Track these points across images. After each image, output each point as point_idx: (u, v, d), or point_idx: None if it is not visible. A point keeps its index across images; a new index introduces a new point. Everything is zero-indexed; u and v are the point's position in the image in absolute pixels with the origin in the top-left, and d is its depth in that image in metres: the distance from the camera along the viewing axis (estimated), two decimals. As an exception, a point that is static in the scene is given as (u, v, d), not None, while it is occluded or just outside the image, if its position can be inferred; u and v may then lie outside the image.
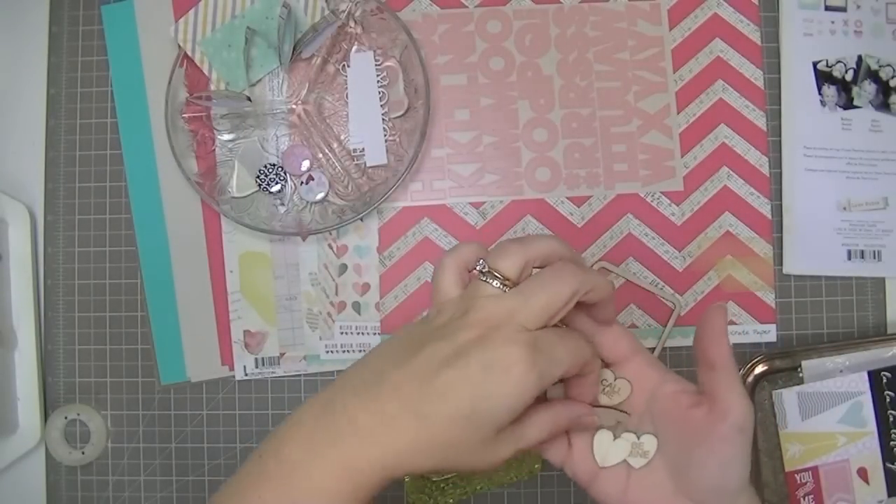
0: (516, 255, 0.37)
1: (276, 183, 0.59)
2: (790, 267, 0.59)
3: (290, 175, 0.59)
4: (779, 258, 0.59)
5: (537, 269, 0.38)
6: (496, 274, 0.37)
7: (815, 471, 0.55)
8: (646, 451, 0.40)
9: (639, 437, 0.41)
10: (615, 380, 0.42)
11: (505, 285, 0.37)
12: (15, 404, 0.59)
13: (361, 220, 0.59)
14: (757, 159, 0.60)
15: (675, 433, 0.40)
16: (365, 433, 0.35)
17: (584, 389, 0.40)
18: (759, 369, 0.57)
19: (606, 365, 0.42)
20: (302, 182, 0.59)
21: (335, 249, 0.60)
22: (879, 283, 0.60)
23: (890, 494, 0.55)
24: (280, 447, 0.36)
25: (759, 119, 0.60)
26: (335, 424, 0.35)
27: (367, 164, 0.59)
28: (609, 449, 0.41)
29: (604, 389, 0.42)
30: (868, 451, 0.55)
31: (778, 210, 0.60)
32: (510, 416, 0.35)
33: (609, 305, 0.40)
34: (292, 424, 0.36)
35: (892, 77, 0.60)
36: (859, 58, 0.60)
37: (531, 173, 0.60)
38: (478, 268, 0.38)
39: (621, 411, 0.41)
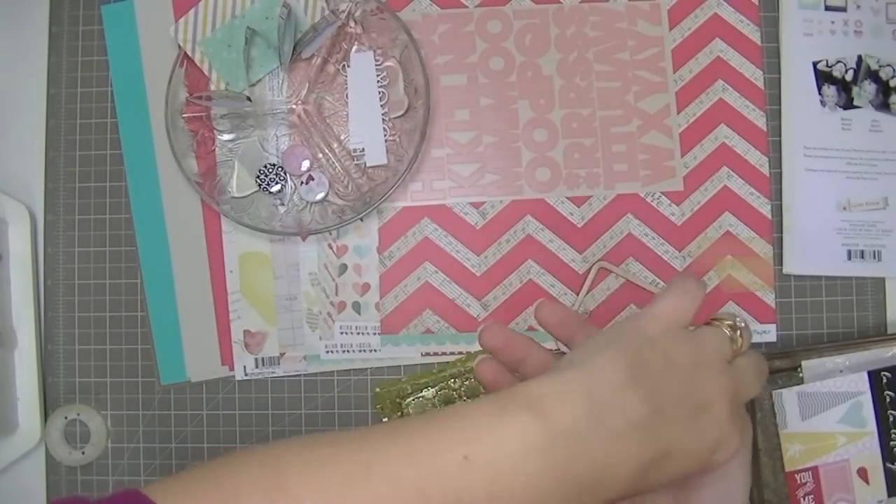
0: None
1: (276, 183, 0.59)
2: (790, 267, 0.59)
3: (290, 175, 0.59)
4: (779, 258, 0.59)
5: None
6: (733, 325, 0.38)
7: (815, 471, 0.55)
8: None
9: None
10: None
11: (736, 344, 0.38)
12: (15, 404, 0.59)
13: (361, 220, 0.59)
14: (757, 159, 0.60)
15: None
16: None
17: None
18: (759, 369, 0.57)
19: None
20: (302, 182, 0.59)
21: (335, 249, 0.60)
22: (879, 283, 0.60)
23: (890, 494, 0.55)
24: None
25: (759, 119, 0.60)
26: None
27: (367, 164, 0.59)
28: None
29: None
30: (868, 451, 0.55)
31: (778, 210, 0.60)
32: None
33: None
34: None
35: (892, 77, 0.60)
36: (859, 58, 0.60)
37: (531, 173, 0.60)
38: (722, 324, 0.39)
39: None
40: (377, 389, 0.59)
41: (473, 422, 0.32)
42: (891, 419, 0.55)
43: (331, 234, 0.60)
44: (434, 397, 0.59)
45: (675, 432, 0.33)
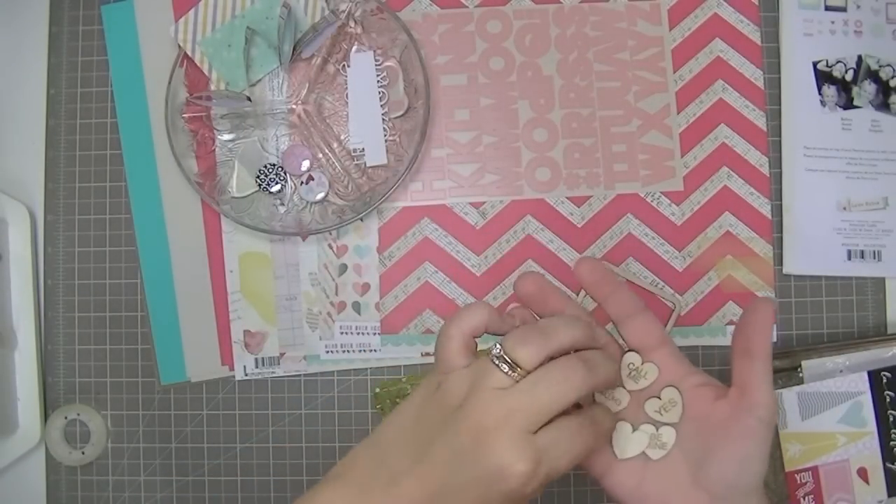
0: (538, 347, 0.36)
1: (276, 183, 0.59)
2: (790, 267, 0.59)
3: (290, 175, 0.59)
4: (779, 258, 0.59)
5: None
6: (508, 360, 0.36)
7: (815, 471, 0.55)
8: (664, 442, 0.40)
9: (657, 429, 0.40)
10: (642, 363, 0.42)
11: (515, 372, 0.36)
12: (15, 404, 0.59)
13: (361, 220, 0.59)
14: (757, 159, 0.60)
15: (695, 426, 0.40)
16: None
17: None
18: (759, 369, 0.57)
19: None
20: (302, 182, 0.59)
21: (335, 249, 0.60)
22: (879, 283, 0.60)
23: (890, 494, 0.55)
24: None
25: (759, 119, 0.60)
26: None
27: (367, 164, 0.59)
28: (628, 441, 0.41)
29: (630, 373, 0.41)
30: (868, 451, 0.55)
31: (778, 210, 0.60)
32: None
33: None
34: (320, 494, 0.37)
35: (892, 77, 0.60)
36: (859, 58, 0.60)
37: (531, 173, 0.60)
38: (494, 352, 0.37)
39: (671, 425, 0.41)
40: (377, 389, 0.59)
41: None
42: (891, 419, 0.55)
43: (331, 234, 0.60)
44: None
45: (441, 473, 0.36)
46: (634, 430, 0.41)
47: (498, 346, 0.37)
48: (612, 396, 0.42)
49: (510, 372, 0.36)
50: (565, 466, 0.36)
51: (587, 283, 0.43)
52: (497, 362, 0.36)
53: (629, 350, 0.42)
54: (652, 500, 0.40)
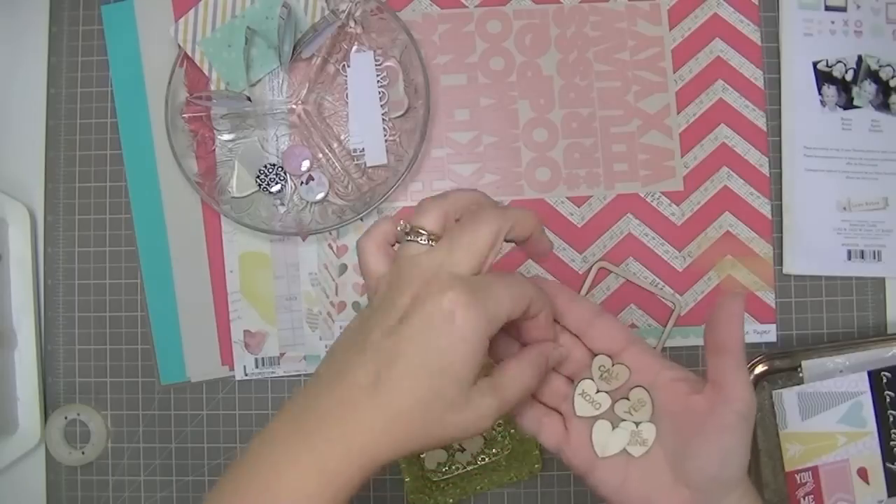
0: (435, 208, 0.37)
1: (276, 183, 0.59)
2: (790, 267, 0.59)
3: (290, 175, 0.59)
4: (779, 258, 0.59)
5: None
6: (420, 231, 0.36)
7: (815, 471, 0.55)
8: (644, 439, 0.40)
9: (637, 426, 0.41)
10: (613, 365, 0.41)
11: (431, 240, 0.36)
12: (15, 404, 0.59)
13: (361, 220, 0.59)
14: (757, 159, 0.60)
15: (673, 421, 0.40)
16: (334, 431, 0.34)
17: (539, 332, 0.39)
18: (759, 369, 0.57)
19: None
20: (302, 182, 0.59)
21: (335, 249, 0.60)
22: (879, 283, 0.60)
23: (890, 494, 0.55)
24: (260, 451, 0.35)
25: (759, 119, 0.60)
26: (307, 425, 0.35)
27: (367, 164, 0.59)
28: (609, 438, 0.41)
29: (602, 375, 0.42)
30: (868, 451, 0.55)
31: (778, 210, 0.60)
32: (471, 365, 0.34)
33: (541, 238, 0.39)
34: (274, 423, 0.36)
35: (892, 77, 0.60)
36: (859, 58, 0.60)
37: (531, 173, 0.60)
38: (399, 228, 0.37)
39: (648, 422, 0.41)
40: None
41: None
42: (891, 419, 0.55)
43: (331, 234, 0.60)
44: None
45: (387, 355, 0.35)
46: (615, 427, 0.41)
47: (403, 222, 0.37)
48: (592, 400, 0.42)
49: (426, 241, 0.36)
50: (504, 313, 0.35)
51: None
52: (410, 237, 0.37)
53: (599, 354, 0.42)
54: (635, 497, 0.40)
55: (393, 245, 0.39)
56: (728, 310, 0.38)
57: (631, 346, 0.42)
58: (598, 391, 0.42)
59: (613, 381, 0.41)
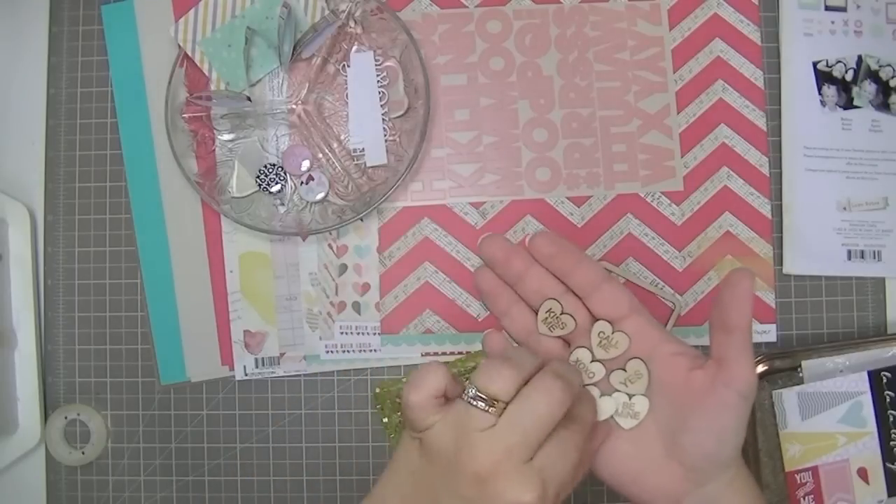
0: (511, 376, 0.36)
1: (276, 183, 0.59)
2: (790, 267, 0.59)
3: (290, 175, 0.59)
4: (779, 258, 0.59)
5: None
6: (483, 397, 0.35)
7: (815, 471, 0.55)
8: (636, 412, 0.39)
9: (630, 398, 0.40)
10: (613, 332, 0.40)
11: (494, 408, 0.35)
12: (15, 404, 0.59)
13: (361, 220, 0.59)
14: (757, 159, 0.60)
15: (671, 396, 0.39)
16: None
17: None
18: (759, 369, 0.57)
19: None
20: (302, 182, 0.59)
21: (335, 249, 0.60)
22: (879, 283, 0.60)
23: (890, 494, 0.55)
24: None
25: (759, 119, 0.60)
26: None
27: (367, 164, 0.59)
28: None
29: (600, 342, 0.41)
30: (868, 451, 0.55)
31: (778, 210, 0.60)
32: None
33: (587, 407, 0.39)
34: None
35: (892, 77, 0.60)
36: (859, 58, 0.60)
37: (531, 173, 0.60)
38: (469, 394, 0.36)
39: (643, 395, 0.40)
40: (377, 389, 0.59)
41: None
42: (891, 419, 0.55)
43: (331, 234, 0.60)
44: None
45: None
46: (602, 395, 0.40)
47: (472, 388, 0.36)
48: (586, 369, 0.41)
49: (489, 409, 0.35)
50: (569, 479, 0.36)
51: (546, 257, 0.42)
52: (474, 403, 0.35)
53: (599, 320, 0.41)
54: (625, 471, 0.40)
55: (448, 396, 0.37)
56: (738, 286, 0.38)
57: (634, 315, 0.41)
58: (592, 360, 0.41)
59: (612, 349, 0.40)
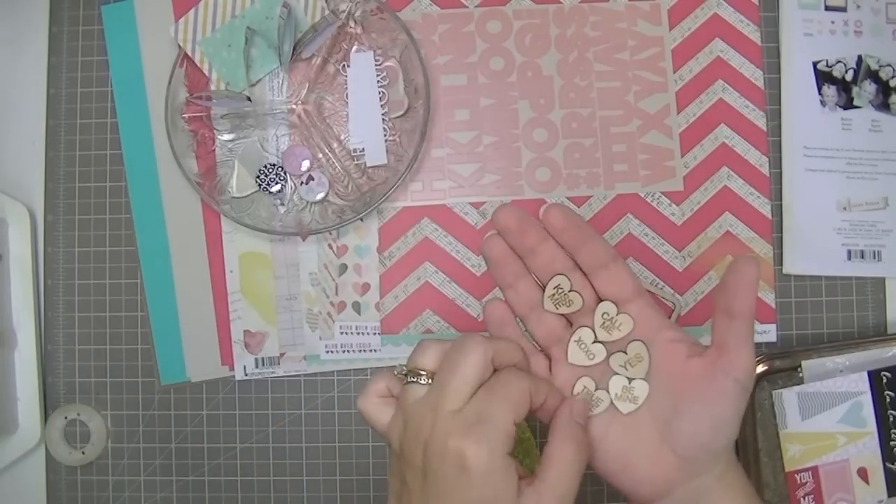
0: (433, 348, 0.38)
1: (276, 183, 0.59)
2: (790, 267, 0.59)
3: (290, 175, 0.59)
4: (779, 258, 0.59)
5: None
6: (419, 372, 0.37)
7: (815, 471, 0.55)
8: (635, 396, 0.39)
9: (630, 382, 0.39)
10: (617, 314, 0.40)
11: (422, 377, 0.37)
12: (15, 404, 0.59)
13: (361, 220, 0.59)
14: (757, 159, 0.60)
15: (668, 383, 0.39)
16: None
17: (553, 404, 0.39)
18: (759, 369, 0.57)
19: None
20: (302, 182, 0.59)
21: (335, 249, 0.60)
22: (879, 283, 0.60)
23: (890, 494, 0.55)
24: None
25: (759, 119, 0.60)
26: None
27: (367, 164, 0.59)
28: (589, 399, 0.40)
29: (603, 323, 0.40)
30: (868, 451, 0.55)
31: (778, 210, 0.60)
32: (505, 490, 0.35)
33: (538, 385, 0.39)
34: None
35: (892, 77, 0.60)
36: (859, 58, 0.60)
37: (531, 173, 0.60)
38: (397, 372, 0.39)
39: (643, 380, 0.39)
40: None
41: None
42: (891, 419, 0.55)
43: (331, 234, 0.60)
44: None
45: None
46: (598, 387, 0.40)
47: (403, 368, 0.39)
48: (587, 349, 0.40)
49: (419, 380, 0.37)
50: (509, 425, 0.36)
51: (558, 230, 0.41)
52: (407, 379, 0.38)
53: (604, 300, 0.41)
54: (615, 456, 0.39)
55: (394, 394, 0.40)
56: (743, 272, 0.37)
57: (638, 299, 0.40)
58: (594, 341, 0.40)
59: (615, 331, 0.40)
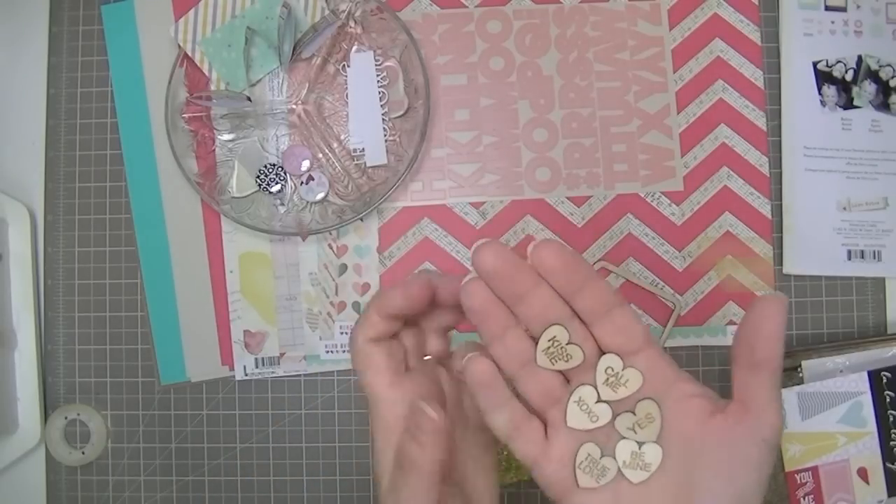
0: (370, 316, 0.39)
1: (276, 183, 0.59)
2: (790, 267, 0.59)
3: (290, 175, 0.59)
4: (779, 258, 0.59)
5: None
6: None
7: (815, 471, 0.55)
8: (647, 463, 0.34)
9: (639, 447, 0.34)
10: (623, 369, 0.34)
11: None
12: (15, 404, 0.59)
13: (361, 220, 0.59)
14: (757, 159, 0.60)
15: (684, 446, 0.33)
16: None
17: (435, 319, 0.41)
18: (759, 369, 0.57)
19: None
20: (302, 182, 0.59)
21: (335, 249, 0.60)
22: (879, 283, 0.60)
23: (890, 494, 0.55)
24: None
25: (759, 119, 0.60)
26: None
27: (367, 164, 0.59)
28: (593, 466, 0.34)
29: (607, 380, 0.34)
30: (868, 451, 0.55)
31: (778, 210, 0.60)
32: (392, 400, 0.37)
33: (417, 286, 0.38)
34: None
35: (892, 77, 0.60)
36: (859, 58, 0.60)
37: (531, 173, 0.60)
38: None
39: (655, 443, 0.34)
40: None
41: None
42: (891, 419, 0.55)
43: (331, 234, 0.60)
44: None
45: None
46: (603, 454, 0.34)
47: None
48: (590, 410, 0.35)
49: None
50: (384, 321, 0.37)
51: (551, 271, 0.34)
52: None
53: (607, 353, 0.35)
54: None
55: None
56: (769, 318, 0.32)
57: (648, 349, 0.34)
58: (598, 401, 0.34)
59: (621, 388, 0.34)
